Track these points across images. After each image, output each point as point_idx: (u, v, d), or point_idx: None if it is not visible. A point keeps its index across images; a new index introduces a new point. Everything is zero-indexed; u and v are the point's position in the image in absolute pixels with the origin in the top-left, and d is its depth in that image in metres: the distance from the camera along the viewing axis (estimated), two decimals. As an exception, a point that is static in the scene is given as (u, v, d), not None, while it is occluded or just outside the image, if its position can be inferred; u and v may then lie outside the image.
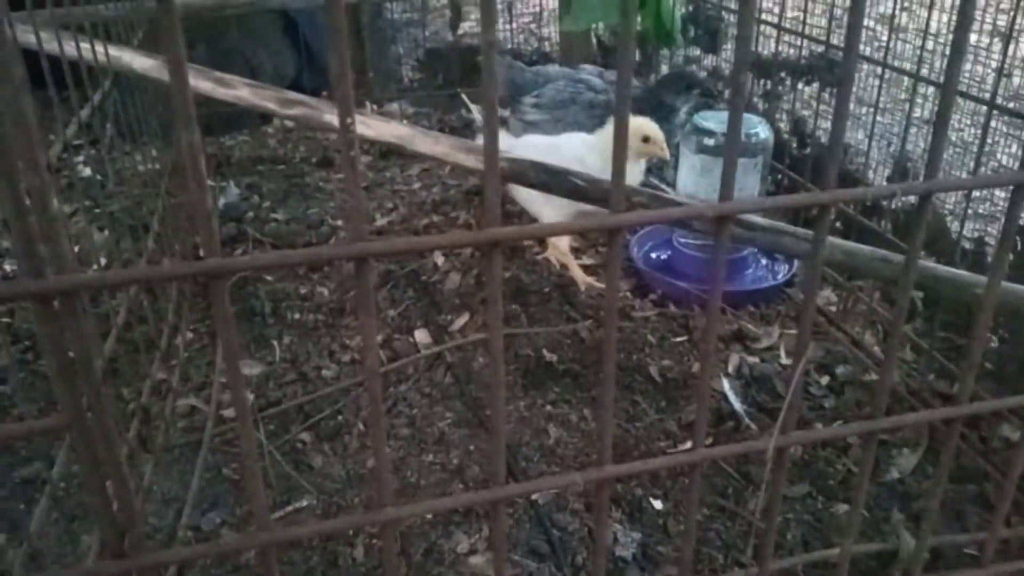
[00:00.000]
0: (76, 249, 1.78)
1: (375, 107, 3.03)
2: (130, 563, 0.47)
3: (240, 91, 1.26)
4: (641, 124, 1.49)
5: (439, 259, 1.72)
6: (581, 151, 1.54)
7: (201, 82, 1.26)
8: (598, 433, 0.55)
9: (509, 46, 3.37)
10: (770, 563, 0.67)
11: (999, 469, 1.17)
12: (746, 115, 1.56)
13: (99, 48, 1.27)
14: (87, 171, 2.10)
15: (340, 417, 1.31)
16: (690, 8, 2.34)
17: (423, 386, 1.37)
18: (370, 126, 1.24)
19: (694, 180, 1.53)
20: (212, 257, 0.42)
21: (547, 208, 1.59)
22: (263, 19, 2.71)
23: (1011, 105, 1.54)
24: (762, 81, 2.18)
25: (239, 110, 2.31)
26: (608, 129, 1.56)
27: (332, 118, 1.25)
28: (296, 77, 2.87)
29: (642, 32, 2.11)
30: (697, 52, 2.43)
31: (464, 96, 2.59)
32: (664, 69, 2.48)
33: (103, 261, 1.71)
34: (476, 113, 2.53)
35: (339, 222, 1.92)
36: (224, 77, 1.27)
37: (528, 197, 1.63)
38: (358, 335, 1.52)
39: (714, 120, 1.52)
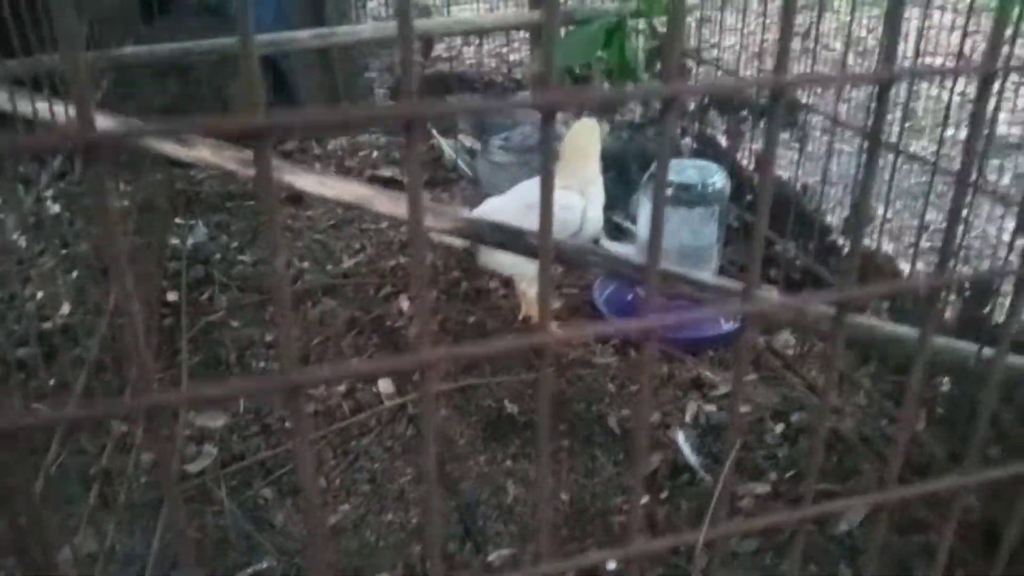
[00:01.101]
0: (39, 295, 1.78)
1: (349, 136, 3.05)
2: None
3: (201, 152, 1.28)
4: (593, 122, 1.58)
5: (404, 304, 1.73)
6: (536, 193, 1.57)
7: (165, 145, 1.27)
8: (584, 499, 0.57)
9: (481, 70, 3.40)
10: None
11: (944, 519, 1.20)
12: (704, 164, 1.60)
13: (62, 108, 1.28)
14: (56, 207, 2.10)
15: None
16: (655, 42, 2.37)
17: (385, 439, 1.39)
18: (330, 186, 1.26)
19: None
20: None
21: (530, 267, 1.59)
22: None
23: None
24: (725, 117, 2.22)
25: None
26: (564, 154, 1.59)
27: (292, 178, 1.26)
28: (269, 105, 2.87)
29: (608, 69, 2.15)
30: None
31: (434, 132, 2.62)
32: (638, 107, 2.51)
33: (67, 308, 1.72)
34: (446, 147, 2.57)
35: (305, 264, 1.93)
36: (187, 138, 1.28)
37: (511, 262, 1.61)
38: (319, 385, 1.54)
39: (672, 169, 1.55)
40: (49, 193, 2.18)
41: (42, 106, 1.28)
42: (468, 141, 2.57)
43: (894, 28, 0.46)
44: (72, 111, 1.15)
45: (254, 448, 1.38)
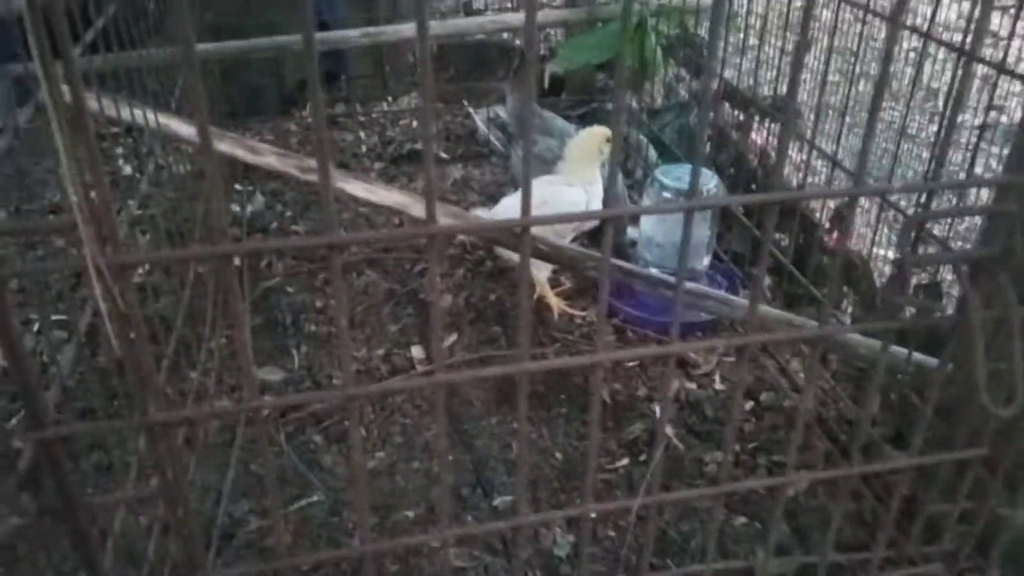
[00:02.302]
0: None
1: (390, 99, 3.27)
2: None
3: (268, 158, 1.53)
4: (602, 129, 1.79)
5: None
6: (549, 190, 1.79)
7: (236, 150, 1.52)
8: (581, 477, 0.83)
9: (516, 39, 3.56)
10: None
11: (875, 493, 1.45)
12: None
13: (145, 113, 1.52)
14: (127, 168, 2.36)
15: (346, 423, 1.61)
16: (674, 33, 2.53)
17: (415, 399, 1.66)
18: (375, 193, 1.50)
19: (652, 226, 1.79)
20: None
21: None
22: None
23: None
24: (736, 112, 2.40)
25: (262, 96, 2.59)
26: (568, 155, 1.81)
27: (343, 184, 1.51)
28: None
29: (629, 66, 2.34)
30: (684, 74, 2.64)
31: (470, 109, 2.83)
32: (655, 93, 2.68)
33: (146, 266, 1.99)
34: (479, 122, 2.78)
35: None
36: (254, 145, 1.53)
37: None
38: (364, 346, 1.81)
39: (670, 176, 1.76)
40: (119, 151, 2.44)
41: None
42: (503, 114, 2.75)
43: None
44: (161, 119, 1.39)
45: (307, 400, 1.66)
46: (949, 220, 1.53)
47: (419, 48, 0.57)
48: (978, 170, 2.26)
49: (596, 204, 1.78)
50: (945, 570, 1.19)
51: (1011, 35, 1.14)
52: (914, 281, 1.64)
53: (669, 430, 1.55)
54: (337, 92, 3.15)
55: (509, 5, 3.37)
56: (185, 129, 1.56)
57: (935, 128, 2.33)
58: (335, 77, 3.19)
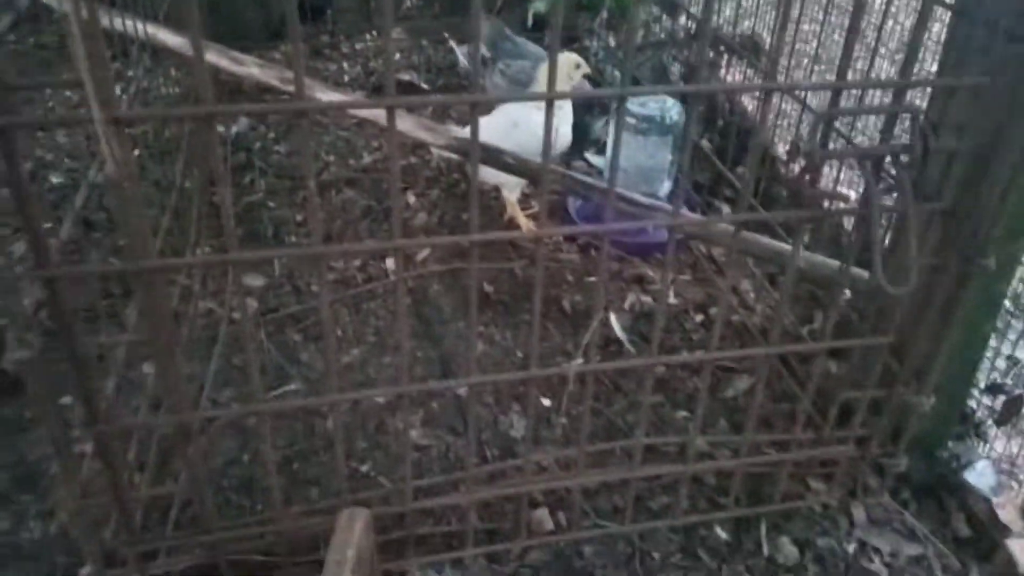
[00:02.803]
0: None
1: (375, 32, 3.32)
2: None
3: (251, 68, 1.61)
4: (571, 56, 1.86)
5: (411, 199, 2.09)
6: (520, 112, 1.87)
7: (221, 60, 1.60)
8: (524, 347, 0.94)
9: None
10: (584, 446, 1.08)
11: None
12: (662, 97, 1.90)
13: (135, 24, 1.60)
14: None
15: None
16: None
17: (388, 304, 1.77)
18: (332, 97, 1.59)
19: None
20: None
21: (510, 178, 1.92)
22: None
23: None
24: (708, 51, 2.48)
25: (247, 27, 2.64)
26: (539, 79, 1.89)
27: (323, 95, 1.59)
28: None
29: (608, 6, 2.41)
30: (659, 14, 2.71)
31: (452, 43, 2.89)
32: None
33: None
34: (460, 55, 2.84)
35: (331, 157, 2.28)
36: (238, 56, 1.61)
37: (494, 173, 1.94)
38: (341, 259, 1.91)
39: (635, 102, 1.86)
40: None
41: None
42: (483, 50, 2.83)
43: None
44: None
45: (286, 303, 1.77)
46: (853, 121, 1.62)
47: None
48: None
49: (564, 126, 1.88)
50: (857, 452, 1.33)
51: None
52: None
53: (622, 335, 1.68)
54: (323, 25, 3.19)
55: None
56: (173, 40, 1.64)
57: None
58: (321, 11, 3.23)
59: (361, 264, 1.88)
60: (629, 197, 1.54)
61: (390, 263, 1.89)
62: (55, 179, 2.15)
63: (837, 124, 1.14)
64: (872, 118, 2.04)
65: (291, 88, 1.59)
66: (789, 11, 0.80)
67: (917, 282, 1.02)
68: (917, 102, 1.43)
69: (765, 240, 1.51)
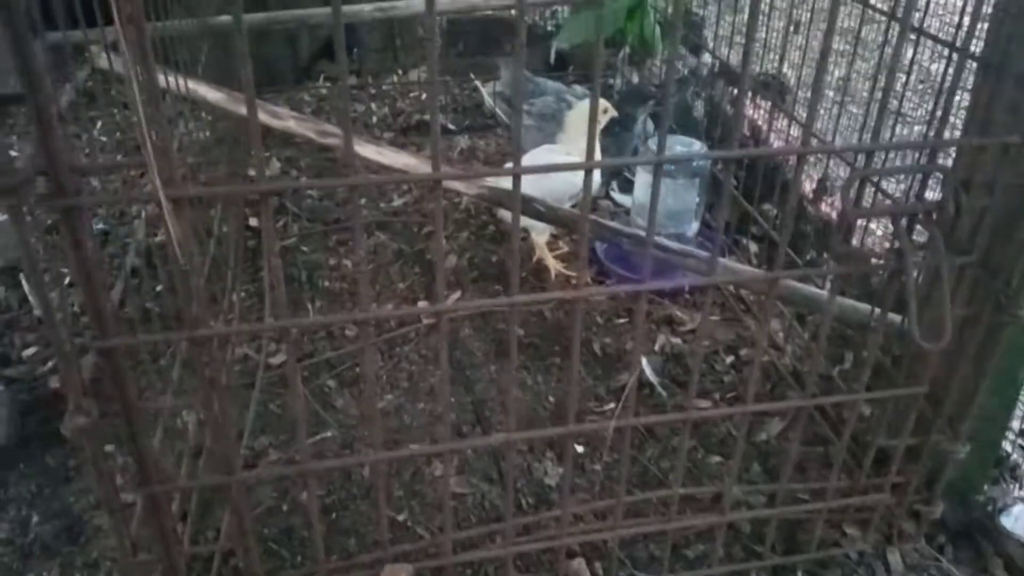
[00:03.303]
0: (144, 212, 2.19)
1: (401, 71, 3.38)
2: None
3: (288, 122, 1.65)
4: (600, 102, 1.89)
5: (441, 241, 2.12)
6: (549, 159, 1.91)
7: (260, 114, 1.64)
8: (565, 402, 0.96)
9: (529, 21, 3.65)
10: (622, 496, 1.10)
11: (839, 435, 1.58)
12: (689, 141, 1.93)
13: (175, 79, 1.65)
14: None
15: (357, 369, 1.74)
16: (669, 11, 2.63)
17: (421, 348, 1.80)
18: (385, 155, 1.63)
19: (643, 193, 1.91)
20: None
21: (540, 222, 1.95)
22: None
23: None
24: (731, 89, 2.51)
25: (277, 68, 2.72)
26: (567, 128, 1.93)
27: (361, 149, 1.63)
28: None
29: (630, 43, 2.45)
30: (682, 51, 2.74)
31: (477, 82, 2.94)
32: (656, 69, 2.79)
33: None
34: (485, 95, 2.89)
35: (363, 200, 2.32)
36: (275, 110, 1.66)
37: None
38: (374, 302, 1.95)
39: (663, 146, 1.88)
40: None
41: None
42: (508, 90, 2.87)
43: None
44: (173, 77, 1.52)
45: (321, 349, 1.80)
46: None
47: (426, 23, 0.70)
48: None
49: (595, 172, 1.90)
50: (894, 500, 1.33)
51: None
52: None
53: (654, 378, 1.69)
54: (349, 64, 3.26)
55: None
56: (213, 95, 1.69)
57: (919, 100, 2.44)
58: (347, 49, 3.30)
59: (393, 308, 1.91)
60: (664, 245, 1.56)
61: (422, 306, 1.92)
62: (96, 225, 2.21)
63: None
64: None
65: (329, 141, 1.64)
66: (824, 70, 0.82)
67: (951, 333, 1.03)
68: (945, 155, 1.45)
69: (800, 287, 1.53)
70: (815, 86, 0.88)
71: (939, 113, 0.98)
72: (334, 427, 1.60)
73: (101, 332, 0.86)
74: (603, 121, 1.88)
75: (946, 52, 1.27)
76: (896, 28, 1.15)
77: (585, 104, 1.93)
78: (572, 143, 1.92)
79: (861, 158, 1.35)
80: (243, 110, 1.61)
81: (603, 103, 1.88)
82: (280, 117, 1.65)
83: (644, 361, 1.71)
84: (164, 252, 0.90)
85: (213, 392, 0.96)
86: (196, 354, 0.92)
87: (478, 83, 2.96)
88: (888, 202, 1.45)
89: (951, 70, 1.23)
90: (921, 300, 1.38)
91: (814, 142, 1.71)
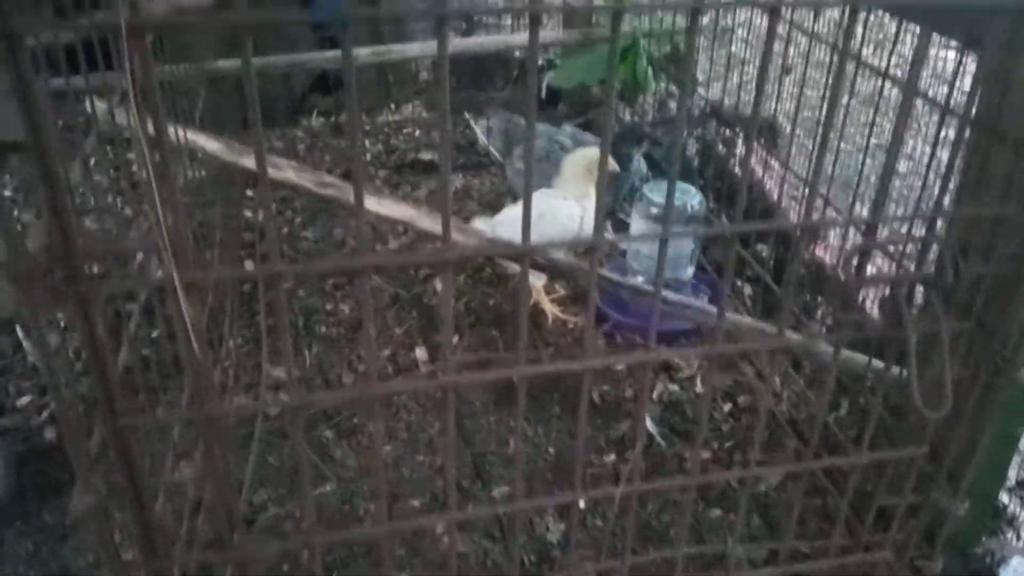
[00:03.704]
0: (139, 257, 2.19)
1: (393, 106, 3.40)
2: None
3: (287, 173, 1.66)
4: (595, 151, 1.92)
5: (438, 285, 2.13)
6: (546, 203, 1.92)
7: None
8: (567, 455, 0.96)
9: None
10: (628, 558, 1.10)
11: (840, 489, 1.59)
12: (685, 187, 1.95)
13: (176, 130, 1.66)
14: (143, 173, 2.49)
15: (355, 419, 1.74)
16: (665, 52, 2.66)
17: (419, 397, 1.80)
18: (385, 206, 1.64)
19: (640, 242, 1.93)
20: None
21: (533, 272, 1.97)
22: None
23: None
24: (723, 129, 2.54)
25: (272, 104, 2.74)
26: (564, 173, 1.95)
27: (376, 205, 1.64)
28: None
29: (621, 83, 2.48)
30: (674, 90, 2.78)
31: (469, 119, 2.96)
32: (648, 106, 2.82)
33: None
34: (479, 132, 2.91)
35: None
36: (275, 161, 1.67)
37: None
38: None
39: (658, 193, 1.90)
40: (133, 155, 2.58)
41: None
42: (499, 140, 2.88)
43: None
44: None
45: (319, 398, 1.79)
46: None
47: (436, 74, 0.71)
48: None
49: (590, 217, 1.92)
50: (895, 556, 1.34)
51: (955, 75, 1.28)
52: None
53: (653, 428, 1.69)
54: (341, 99, 3.28)
55: (508, 22, 3.49)
56: (211, 145, 1.69)
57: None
58: (340, 85, 3.32)
59: (391, 354, 1.91)
60: (671, 300, 1.57)
61: (420, 353, 1.92)
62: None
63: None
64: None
65: (328, 192, 1.65)
66: (827, 140, 0.84)
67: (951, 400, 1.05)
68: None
69: (803, 341, 1.54)
70: (816, 167, 0.90)
71: (932, 175, 1.00)
72: (333, 480, 1.59)
73: (111, 413, 0.86)
74: (594, 171, 1.90)
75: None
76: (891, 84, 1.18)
77: (583, 150, 1.95)
78: (568, 187, 1.93)
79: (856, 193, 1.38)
80: (244, 161, 1.62)
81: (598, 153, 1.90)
82: (280, 168, 1.66)
83: (646, 416, 1.72)
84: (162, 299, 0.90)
85: (216, 457, 0.95)
86: (206, 432, 0.92)
87: (471, 120, 2.98)
88: (889, 253, 1.47)
89: (945, 133, 1.25)
90: (920, 358, 1.40)
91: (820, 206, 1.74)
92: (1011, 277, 1.10)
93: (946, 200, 1.03)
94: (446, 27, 0.69)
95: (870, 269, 1.21)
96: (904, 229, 1.47)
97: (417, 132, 3.14)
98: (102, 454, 0.99)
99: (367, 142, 3.08)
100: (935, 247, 1.02)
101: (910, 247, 1.32)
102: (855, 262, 0.98)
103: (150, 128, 0.88)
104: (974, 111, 1.17)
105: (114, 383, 0.85)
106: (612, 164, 1.91)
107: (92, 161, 1.22)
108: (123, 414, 0.88)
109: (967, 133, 1.10)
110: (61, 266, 0.76)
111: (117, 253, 0.98)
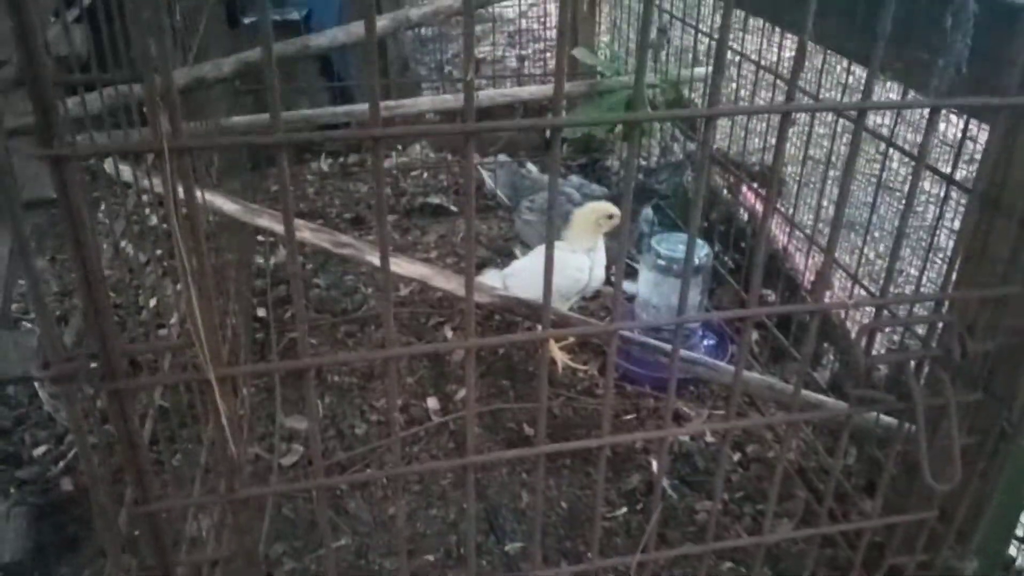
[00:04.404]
0: (153, 302, 2.22)
1: (400, 147, 3.44)
2: None
3: (304, 233, 1.69)
4: (604, 206, 1.95)
5: (449, 333, 2.15)
6: (555, 256, 1.95)
7: (275, 225, 1.69)
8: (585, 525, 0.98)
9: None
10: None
11: (848, 541, 1.60)
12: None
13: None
14: (153, 218, 2.52)
15: (368, 470, 1.76)
16: (670, 99, 2.71)
17: (431, 448, 1.82)
18: (398, 265, 1.67)
19: (649, 291, 1.96)
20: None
21: None
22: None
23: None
24: (727, 175, 2.58)
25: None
26: (573, 227, 1.98)
27: (373, 259, 1.67)
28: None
29: (625, 129, 2.52)
30: (678, 135, 2.82)
31: (478, 164, 3.00)
32: (653, 153, 2.86)
33: (176, 317, 2.14)
34: (486, 176, 2.95)
35: (369, 290, 2.36)
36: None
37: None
38: (382, 397, 1.97)
39: (666, 244, 1.93)
40: (146, 199, 2.61)
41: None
42: (506, 191, 2.90)
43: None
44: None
45: (331, 448, 1.82)
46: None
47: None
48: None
49: (599, 269, 1.95)
50: (906, 615, 1.35)
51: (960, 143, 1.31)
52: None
53: (663, 481, 1.71)
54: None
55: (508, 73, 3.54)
56: (229, 206, 1.73)
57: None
58: (347, 126, 3.36)
59: (403, 405, 1.94)
60: (690, 358, 1.59)
61: (431, 403, 1.94)
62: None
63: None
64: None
65: (343, 252, 1.68)
66: (840, 223, 0.87)
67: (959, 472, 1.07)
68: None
69: (820, 399, 1.56)
70: (829, 246, 0.93)
71: (935, 248, 1.03)
72: (348, 534, 1.61)
73: (143, 497, 0.89)
74: (605, 226, 1.93)
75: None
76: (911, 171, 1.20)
77: (592, 204, 1.98)
78: (577, 241, 1.96)
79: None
80: (260, 221, 1.65)
81: (610, 208, 1.94)
82: (295, 228, 1.69)
83: (654, 463, 1.74)
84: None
85: (246, 539, 0.98)
86: (238, 511, 0.95)
87: (478, 164, 3.02)
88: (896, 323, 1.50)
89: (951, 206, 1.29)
90: (929, 424, 1.43)
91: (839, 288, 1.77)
92: (1018, 346, 1.12)
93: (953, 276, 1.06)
94: (470, 144, 0.73)
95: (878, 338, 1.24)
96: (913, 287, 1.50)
97: (425, 175, 3.18)
98: (131, 533, 1.02)
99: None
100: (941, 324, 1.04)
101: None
102: (864, 343, 1.01)
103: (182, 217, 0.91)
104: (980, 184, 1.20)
105: (147, 472, 0.88)
106: (617, 214, 1.94)
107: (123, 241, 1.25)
108: (155, 498, 0.91)
109: (971, 206, 1.13)
110: (99, 365, 0.79)
111: (152, 349, 1.00)
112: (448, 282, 1.66)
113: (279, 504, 1.68)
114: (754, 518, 1.67)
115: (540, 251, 2.01)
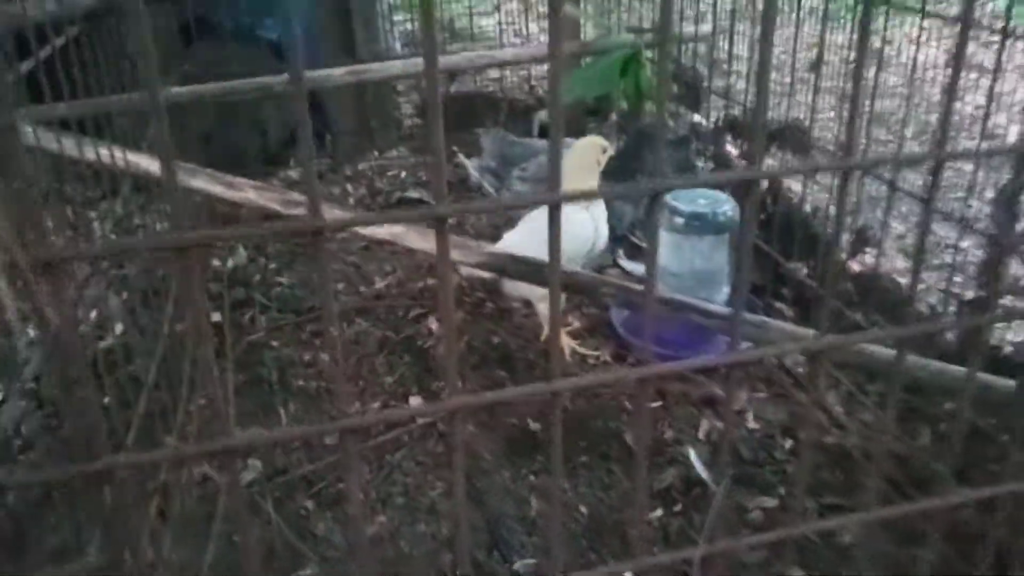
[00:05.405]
0: (93, 315, 1.90)
1: (377, 153, 3.17)
2: None
3: (247, 193, 1.39)
4: (596, 140, 1.70)
5: (433, 325, 1.84)
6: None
7: (213, 186, 1.39)
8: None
9: (504, 86, 3.47)
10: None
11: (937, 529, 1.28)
12: (713, 193, 1.69)
13: (118, 154, 1.40)
14: (99, 231, 2.23)
15: (341, 485, 1.43)
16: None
17: (417, 454, 1.49)
18: (368, 229, 1.37)
19: (667, 256, 1.65)
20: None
21: (538, 291, 1.68)
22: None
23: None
24: (739, 141, 2.30)
25: (245, 156, 2.46)
26: (570, 168, 1.69)
27: (330, 216, 1.37)
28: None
29: (625, 97, 2.25)
30: (681, 109, 2.55)
31: (461, 157, 2.73)
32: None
33: (120, 328, 1.83)
34: (470, 167, 2.67)
35: (340, 285, 2.05)
36: (232, 180, 1.40)
37: (529, 288, 1.70)
38: (358, 400, 1.65)
39: (683, 199, 1.64)
40: (93, 215, 2.32)
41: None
42: (492, 162, 2.67)
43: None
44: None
45: (296, 462, 1.49)
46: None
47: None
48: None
49: (602, 224, 1.65)
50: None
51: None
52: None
53: (703, 472, 1.39)
54: (322, 150, 3.04)
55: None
56: (155, 166, 1.43)
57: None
58: (319, 136, 3.09)
59: (381, 406, 1.62)
60: (702, 308, 1.29)
61: (415, 403, 1.62)
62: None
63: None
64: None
65: (296, 211, 1.38)
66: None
67: None
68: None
69: (865, 348, 1.26)
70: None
71: None
72: (315, 562, 1.28)
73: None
74: (603, 161, 1.64)
75: None
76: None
77: (581, 144, 1.69)
78: (577, 182, 1.66)
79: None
80: (194, 181, 1.35)
81: (602, 142, 1.65)
82: (237, 187, 1.39)
83: (692, 453, 1.42)
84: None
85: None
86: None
87: (462, 157, 2.74)
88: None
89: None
90: None
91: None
92: None
93: None
94: (444, 227, 0.43)
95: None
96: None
97: (403, 174, 2.90)
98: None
99: (349, 186, 2.83)
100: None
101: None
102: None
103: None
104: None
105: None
106: (610, 147, 1.66)
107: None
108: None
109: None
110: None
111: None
112: (425, 240, 1.35)
113: (229, 532, 1.35)
114: (820, 514, 1.34)
115: (531, 216, 1.72)
